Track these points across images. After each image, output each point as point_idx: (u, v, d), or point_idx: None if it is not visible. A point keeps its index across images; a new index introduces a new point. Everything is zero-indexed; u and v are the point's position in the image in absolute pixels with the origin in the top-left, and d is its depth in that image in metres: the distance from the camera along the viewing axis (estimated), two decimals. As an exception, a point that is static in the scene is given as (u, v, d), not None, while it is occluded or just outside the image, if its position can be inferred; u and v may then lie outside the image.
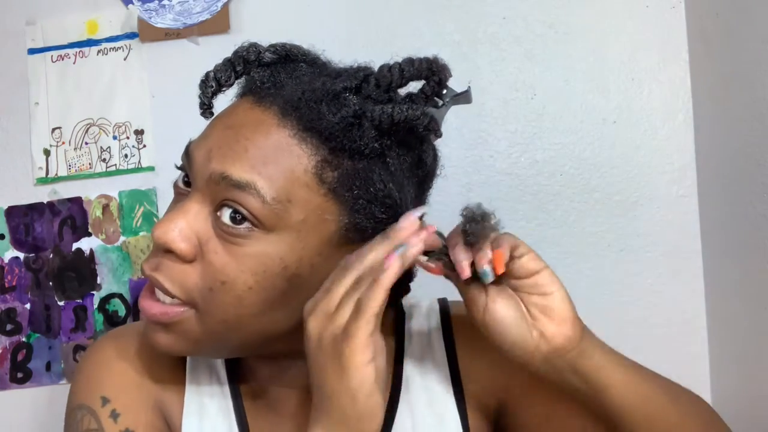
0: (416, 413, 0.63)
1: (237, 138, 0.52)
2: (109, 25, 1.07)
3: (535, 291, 0.52)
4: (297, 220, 0.51)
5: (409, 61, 0.55)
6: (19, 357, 1.07)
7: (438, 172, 0.61)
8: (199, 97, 0.57)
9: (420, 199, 0.59)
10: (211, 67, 0.59)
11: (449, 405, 0.63)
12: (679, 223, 0.98)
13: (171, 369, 0.63)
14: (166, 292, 0.53)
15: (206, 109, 0.57)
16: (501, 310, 0.52)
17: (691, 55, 0.98)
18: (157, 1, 1.05)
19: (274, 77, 0.55)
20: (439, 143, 0.63)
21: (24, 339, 1.07)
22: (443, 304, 0.69)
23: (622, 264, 0.99)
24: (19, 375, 1.07)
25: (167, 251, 0.52)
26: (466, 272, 0.50)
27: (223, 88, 0.57)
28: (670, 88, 0.98)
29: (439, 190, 1.01)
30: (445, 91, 0.58)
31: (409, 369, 0.65)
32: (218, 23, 1.04)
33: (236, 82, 0.58)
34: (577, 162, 1.00)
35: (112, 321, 1.06)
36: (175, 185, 0.58)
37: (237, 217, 0.51)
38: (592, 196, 1.00)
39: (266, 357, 0.62)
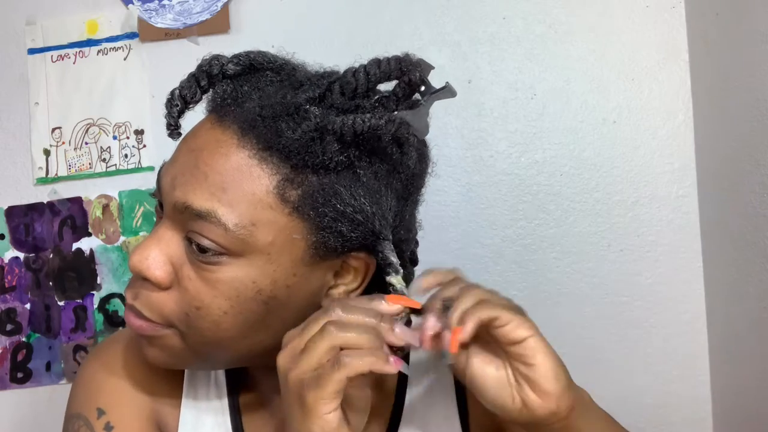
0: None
1: (197, 163, 0.50)
2: (109, 25, 1.07)
3: (519, 359, 0.48)
4: (265, 242, 0.50)
5: (376, 63, 0.52)
6: (19, 357, 1.07)
7: (429, 170, 0.58)
8: (165, 118, 0.55)
9: (405, 202, 0.56)
10: None
11: (454, 425, 0.63)
12: (679, 223, 0.98)
13: (168, 380, 0.62)
14: (146, 320, 0.53)
15: (173, 129, 0.56)
16: (480, 369, 0.50)
17: (691, 55, 0.98)
18: (157, 1, 1.05)
19: (236, 91, 0.53)
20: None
21: (24, 339, 1.07)
22: None
23: (622, 264, 0.99)
24: (19, 375, 1.07)
25: (144, 279, 0.52)
26: (425, 344, 0.49)
27: (190, 106, 0.55)
28: (670, 88, 0.98)
29: (439, 190, 1.02)
30: (423, 89, 0.55)
31: (414, 387, 0.64)
32: (218, 23, 1.04)
33: (203, 97, 0.56)
34: (577, 162, 1.00)
35: (112, 321, 1.06)
36: (156, 208, 0.57)
37: (202, 248, 0.50)
38: (592, 196, 1.00)
39: (268, 367, 0.60)
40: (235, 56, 0.55)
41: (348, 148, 0.50)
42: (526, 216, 1.00)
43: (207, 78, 0.54)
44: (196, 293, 0.51)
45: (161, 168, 0.54)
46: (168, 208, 0.52)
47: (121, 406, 0.60)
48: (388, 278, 0.53)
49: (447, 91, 0.55)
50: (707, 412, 0.97)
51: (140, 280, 0.53)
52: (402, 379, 0.64)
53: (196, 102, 0.55)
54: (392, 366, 0.46)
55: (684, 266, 0.98)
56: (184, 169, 0.51)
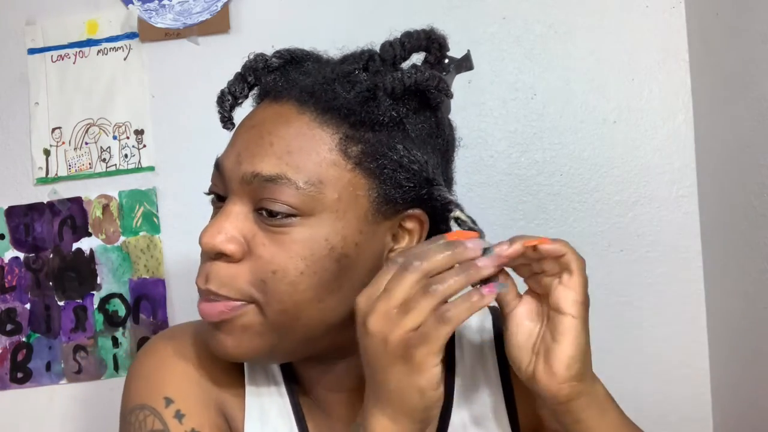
0: (468, 429, 0.63)
1: (261, 134, 0.54)
2: (109, 25, 1.07)
3: (551, 328, 0.52)
4: (332, 199, 0.53)
5: (408, 34, 0.58)
6: (19, 357, 1.07)
7: (457, 143, 0.63)
8: (219, 113, 0.60)
9: (446, 170, 0.61)
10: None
11: (502, 421, 0.63)
12: (679, 223, 0.98)
13: (230, 371, 0.63)
14: (221, 298, 0.54)
15: (227, 121, 0.60)
16: (521, 317, 0.53)
17: (691, 55, 0.98)
18: (157, 1, 1.05)
19: (285, 76, 0.58)
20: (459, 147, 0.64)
21: (24, 339, 1.07)
22: (495, 315, 0.68)
23: (622, 264, 0.99)
24: (19, 375, 1.07)
25: (217, 256, 0.54)
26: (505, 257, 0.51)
27: (239, 101, 0.60)
28: (670, 88, 0.98)
29: (439, 190, 1.01)
30: (447, 60, 0.61)
31: (461, 383, 0.64)
32: (218, 23, 1.04)
33: (250, 93, 0.61)
34: (577, 162, 1.00)
35: (112, 321, 1.06)
36: (212, 201, 0.59)
37: (275, 213, 0.53)
38: (592, 196, 1.00)
39: (311, 359, 0.61)
40: (277, 52, 0.60)
41: (398, 105, 0.55)
42: (526, 216, 1.00)
43: (253, 73, 0.59)
44: (271, 257, 0.53)
45: (218, 159, 0.57)
46: (234, 184, 0.54)
47: (189, 395, 0.60)
48: (452, 214, 0.55)
49: (468, 61, 0.62)
50: (707, 412, 0.97)
51: (210, 261, 0.54)
52: (449, 366, 0.65)
53: (245, 97, 0.60)
54: (488, 297, 0.49)
55: (684, 266, 0.98)
56: (248, 143, 0.54)
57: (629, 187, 0.99)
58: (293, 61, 0.60)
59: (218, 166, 0.57)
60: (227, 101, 0.59)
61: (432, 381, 0.48)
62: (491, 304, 0.52)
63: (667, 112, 0.99)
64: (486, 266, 0.50)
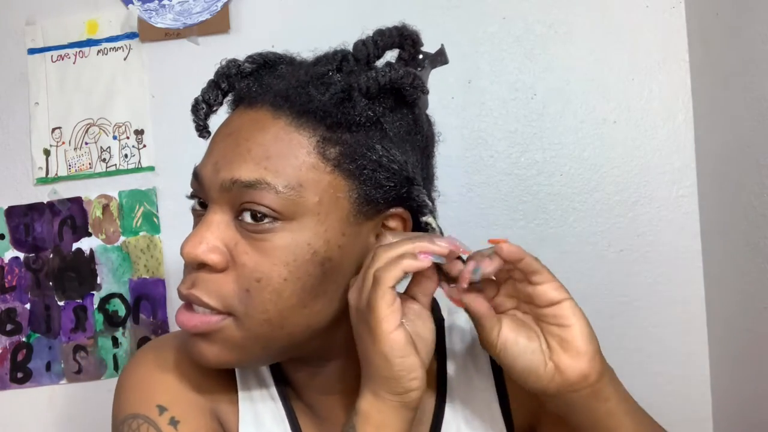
0: (462, 426, 0.63)
1: (237, 142, 0.54)
2: (109, 25, 1.07)
3: (554, 321, 0.52)
4: (313, 202, 0.52)
5: (380, 32, 0.58)
6: (19, 357, 1.07)
7: (437, 139, 0.63)
8: (194, 121, 0.59)
9: (427, 166, 0.60)
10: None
11: (495, 415, 0.63)
12: (679, 223, 0.98)
13: (221, 377, 0.62)
14: (206, 306, 0.53)
15: (202, 129, 0.59)
16: (512, 335, 0.52)
17: (691, 55, 0.98)
18: (157, 1, 1.05)
19: (258, 81, 0.57)
20: (438, 143, 0.64)
21: (24, 339, 1.07)
22: None
23: (622, 264, 0.99)
24: (19, 375, 1.07)
25: (200, 266, 0.53)
26: (464, 279, 0.51)
27: (214, 108, 0.59)
28: (670, 88, 0.98)
29: (439, 190, 1.01)
30: (421, 56, 0.61)
31: (454, 377, 0.64)
32: (218, 23, 1.04)
33: (224, 100, 0.60)
34: (577, 162, 1.00)
35: (112, 321, 1.06)
36: (193, 209, 0.59)
37: (258, 215, 0.52)
38: (592, 196, 1.00)
39: (299, 362, 0.61)
40: (249, 56, 0.59)
41: (374, 104, 0.55)
42: (526, 216, 1.00)
43: (226, 80, 0.58)
44: (254, 266, 0.52)
45: (195, 168, 0.56)
46: (214, 192, 0.54)
47: (182, 402, 0.59)
48: (423, 218, 0.56)
49: (443, 56, 0.61)
50: (707, 412, 0.97)
51: (194, 270, 0.54)
52: (441, 366, 0.65)
53: (219, 104, 0.59)
54: (421, 261, 0.50)
55: (684, 266, 0.98)
56: (225, 151, 0.54)
57: (629, 187, 0.99)
58: (266, 65, 0.59)
59: (196, 175, 0.56)
60: (201, 109, 0.58)
61: (394, 347, 0.49)
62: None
63: (667, 112, 0.99)
64: (434, 245, 0.50)
